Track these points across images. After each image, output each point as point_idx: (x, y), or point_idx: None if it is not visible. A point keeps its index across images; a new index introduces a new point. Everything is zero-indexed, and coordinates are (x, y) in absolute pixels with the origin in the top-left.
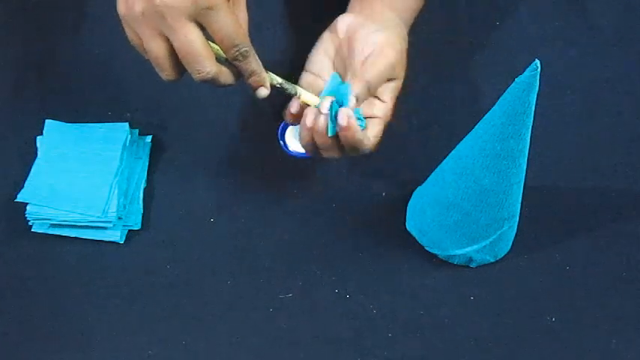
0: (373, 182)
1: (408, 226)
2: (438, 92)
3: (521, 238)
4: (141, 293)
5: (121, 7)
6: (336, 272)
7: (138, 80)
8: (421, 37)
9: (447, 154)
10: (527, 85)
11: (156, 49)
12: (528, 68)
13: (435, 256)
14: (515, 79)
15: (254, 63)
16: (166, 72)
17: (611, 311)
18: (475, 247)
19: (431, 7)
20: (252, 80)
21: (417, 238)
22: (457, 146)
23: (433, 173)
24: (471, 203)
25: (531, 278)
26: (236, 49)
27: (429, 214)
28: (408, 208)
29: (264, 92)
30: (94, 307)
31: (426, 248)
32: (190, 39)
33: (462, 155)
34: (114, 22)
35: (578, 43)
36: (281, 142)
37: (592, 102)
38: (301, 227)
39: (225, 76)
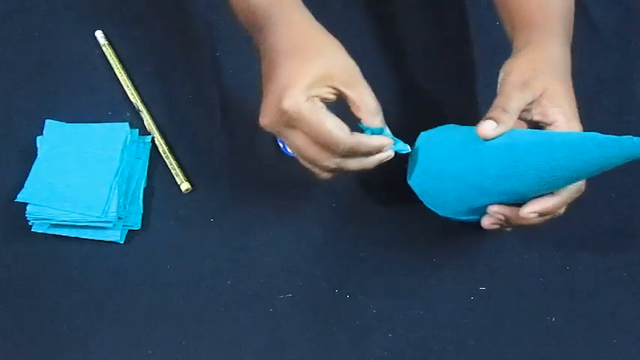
0: (373, 182)
1: (412, 182)
2: (438, 92)
3: (521, 238)
4: (141, 293)
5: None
6: (336, 272)
7: (138, 80)
8: (421, 38)
9: None
10: None
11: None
12: None
13: (435, 256)
14: None
15: (365, 145)
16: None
17: (611, 311)
18: (479, 218)
19: (431, 7)
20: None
21: (418, 194)
22: (515, 145)
23: (461, 147)
24: (500, 200)
25: (531, 278)
26: (339, 150)
27: (449, 186)
28: (410, 161)
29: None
30: (94, 307)
31: (426, 205)
32: (295, 145)
33: (518, 162)
34: (114, 23)
35: (578, 43)
36: (280, 143)
37: (592, 102)
38: (301, 227)
39: (351, 163)
